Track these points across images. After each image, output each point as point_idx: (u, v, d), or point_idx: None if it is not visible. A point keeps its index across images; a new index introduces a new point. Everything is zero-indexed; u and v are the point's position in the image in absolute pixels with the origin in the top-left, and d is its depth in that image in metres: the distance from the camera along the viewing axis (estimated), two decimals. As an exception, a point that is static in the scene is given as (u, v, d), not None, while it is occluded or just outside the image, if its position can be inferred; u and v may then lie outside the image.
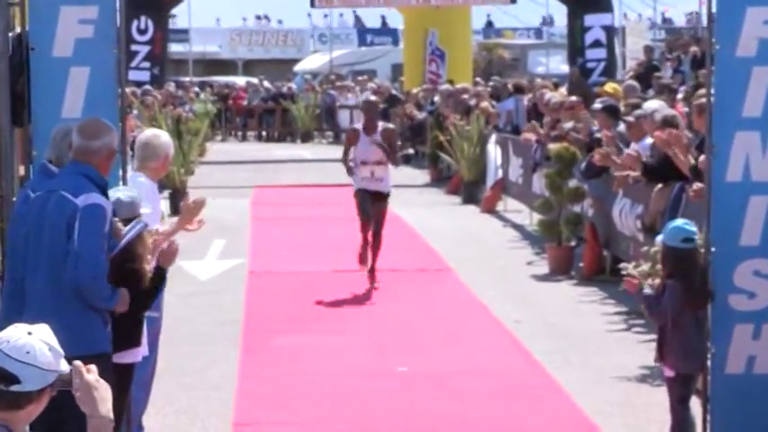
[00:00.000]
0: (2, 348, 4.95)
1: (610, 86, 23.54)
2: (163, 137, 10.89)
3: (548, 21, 69.54)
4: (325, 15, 68.91)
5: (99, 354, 7.83)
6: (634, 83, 25.11)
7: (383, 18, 68.71)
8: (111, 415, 4.73)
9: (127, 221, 8.57)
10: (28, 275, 8.24)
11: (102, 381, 4.80)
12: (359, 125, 16.60)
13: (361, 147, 16.01)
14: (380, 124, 16.57)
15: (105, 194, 8.27)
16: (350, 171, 16.52)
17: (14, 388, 4.91)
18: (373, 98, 18.84)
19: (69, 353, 5.29)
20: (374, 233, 16.45)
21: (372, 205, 16.16)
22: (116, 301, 8.30)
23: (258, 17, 77.95)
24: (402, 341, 8.40)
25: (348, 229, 19.77)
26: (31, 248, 8.27)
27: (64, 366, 4.97)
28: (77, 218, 8.00)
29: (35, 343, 5.00)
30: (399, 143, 39.88)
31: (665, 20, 56.88)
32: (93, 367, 5.02)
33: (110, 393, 4.55)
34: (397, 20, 58.84)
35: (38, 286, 8.13)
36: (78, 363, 4.90)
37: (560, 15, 43.30)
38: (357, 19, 70.97)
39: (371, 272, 16.46)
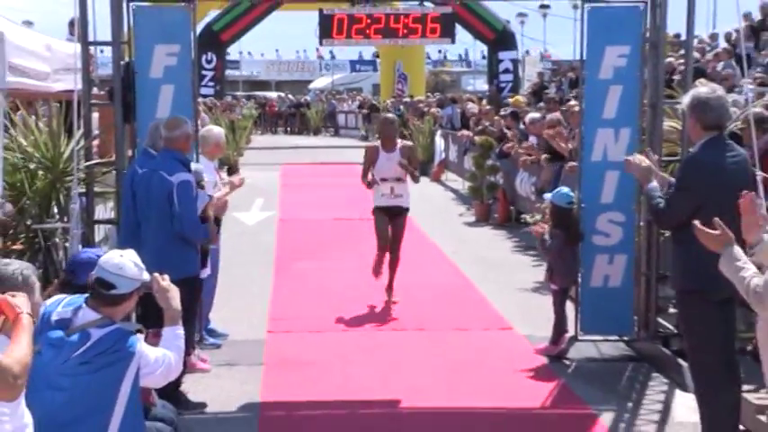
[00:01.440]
0: (103, 266, 5.30)
1: (515, 99, 23.86)
2: (213, 130, 10.87)
3: (464, 56, 70.05)
4: (330, 51, 69.15)
5: (191, 275, 8.25)
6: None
7: (360, 53, 68.71)
8: (180, 307, 4.68)
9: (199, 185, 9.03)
10: (143, 225, 8.42)
11: (172, 285, 4.90)
12: (377, 143, 12.38)
13: (380, 164, 11.91)
14: (399, 141, 12.33)
15: (188, 168, 8.46)
16: (370, 185, 12.09)
17: (112, 292, 5.27)
18: (391, 116, 13.57)
19: (176, 275, 5.72)
20: (392, 250, 12.16)
21: (391, 221, 12.07)
22: (207, 236, 8.69)
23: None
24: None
25: (344, 192, 20.14)
26: (142, 208, 8.45)
27: (146, 276, 5.34)
28: (175, 191, 8.18)
29: (125, 261, 5.31)
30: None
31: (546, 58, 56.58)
32: (165, 276, 5.29)
33: (178, 294, 4.34)
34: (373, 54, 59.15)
35: (150, 233, 8.32)
36: (156, 274, 5.20)
37: (477, 51, 44.57)
38: (359, 53, 71.24)
39: (389, 288, 12.24)
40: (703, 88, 7.70)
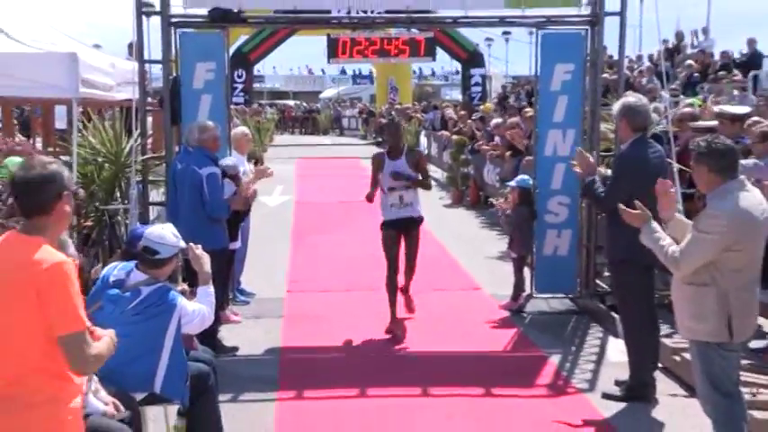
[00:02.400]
0: (148, 237, 5.36)
1: (485, 107, 23.86)
2: (238, 131, 10.71)
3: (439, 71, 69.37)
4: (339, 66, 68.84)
5: (221, 248, 8.15)
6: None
7: (360, 69, 68.56)
8: (210, 271, 4.73)
9: (232, 177, 9.04)
10: (180, 207, 8.37)
11: (204, 253, 4.86)
12: (383, 150, 9.41)
13: (386, 172, 9.07)
14: (405, 147, 9.33)
15: (216, 163, 8.42)
16: (370, 198, 9.11)
17: (156, 257, 5.33)
18: (395, 118, 9.34)
19: (206, 246, 5.69)
20: (407, 264, 9.28)
21: (404, 237, 9.14)
22: (228, 214, 8.54)
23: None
24: (376, 236, 8.89)
25: (347, 180, 20.16)
26: (180, 194, 8.41)
27: (182, 244, 5.39)
28: (204, 181, 8.17)
29: (165, 233, 5.40)
30: (380, 139, 39.74)
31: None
32: (198, 246, 5.25)
33: (208, 260, 4.24)
34: (370, 70, 58.91)
35: (186, 213, 8.23)
36: (191, 244, 5.20)
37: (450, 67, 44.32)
38: (352, 70, 70.85)
39: (406, 293, 9.49)
40: (631, 98, 7.72)
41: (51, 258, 3.56)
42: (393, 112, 37.46)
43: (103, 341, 3.88)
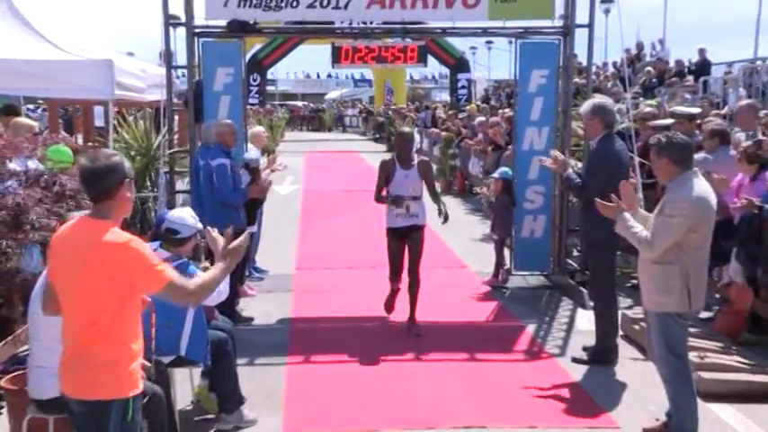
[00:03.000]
0: (170, 219, 5.37)
1: (471, 107, 23.81)
2: (255, 129, 10.71)
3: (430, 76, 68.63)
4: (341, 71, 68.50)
5: (237, 229, 8.29)
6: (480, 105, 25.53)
7: (361, 74, 68.00)
8: (221, 251, 4.76)
9: (254, 168, 9.02)
10: (202, 195, 8.38)
11: (219, 235, 5.00)
12: (393, 156, 8.25)
13: (397, 181, 8.04)
14: (416, 157, 8.26)
15: (228, 155, 8.39)
16: (382, 200, 8.14)
17: (177, 236, 5.33)
18: (407, 129, 9.01)
19: (221, 228, 5.92)
20: (410, 272, 8.16)
21: (408, 241, 8.15)
22: (242, 200, 8.55)
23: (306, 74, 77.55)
24: (378, 221, 8.83)
25: (349, 172, 20.14)
26: (200, 183, 8.43)
27: (200, 225, 5.38)
28: (214, 171, 8.22)
29: (185, 215, 5.41)
30: (378, 136, 39.81)
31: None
32: (214, 229, 4.86)
33: (222, 241, 4.28)
34: (370, 75, 58.47)
35: (204, 199, 8.30)
36: (208, 227, 4.85)
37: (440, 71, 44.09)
38: (352, 74, 70.34)
39: (411, 320, 8.19)
40: (599, 99, 7.72)
41: (119, 239, 3.65)
42: (389, 112, 37.46)
43: (209, 272, 3.98)
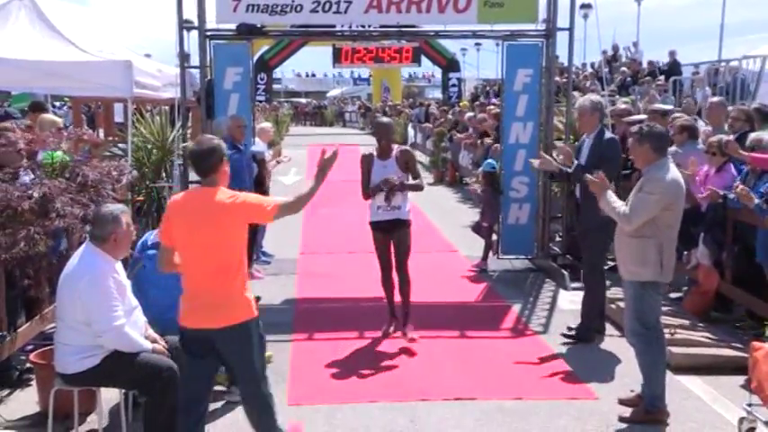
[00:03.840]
0: None
1: (462, 104, 23.81)
2: (262, 124, 10.60)
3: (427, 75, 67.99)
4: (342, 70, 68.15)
5: None
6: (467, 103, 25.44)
7: (359, 73, 67.59)
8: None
9: (260, 160, 9.00)
10: None
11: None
12: (373, 150, 7.29)
13: (375, 173, 7.18)
14: (395, 147, 7.30)
15: (236, 148, 8.26)
16: (367, 195, 7.29)
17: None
18: (385, 120, 7.90)
19: None
20: (398, 268, 7.28)
21: (393, 237, 7.27)
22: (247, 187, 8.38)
23: (308, 73, 77.15)
24: None
25: (349, 164, 20.03)
26: None
27: None
28: None
29: None
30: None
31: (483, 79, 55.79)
32: None
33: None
34: (367, 73, 58.14)
35: None
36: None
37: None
38: (352, 73, 69.95)
39: (404, 323, 7.25)
40: (594, 96, 7.81)
41: (229, 194, 4.26)
42: (386, 109, 37.27)
43: (305, 189, 4.52)
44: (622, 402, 5.66)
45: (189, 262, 4.29)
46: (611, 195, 5.45)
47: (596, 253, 7.21)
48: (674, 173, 5.29)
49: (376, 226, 7.24)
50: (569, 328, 7.33)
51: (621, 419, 5.41)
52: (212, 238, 4.18)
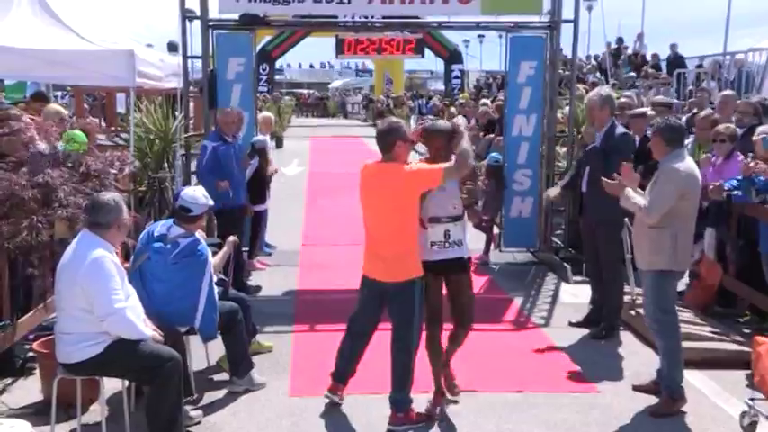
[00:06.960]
0: (183, 197, 5.30)
1: (463, 96, 23.76)
2: (263, 114, 10.52)
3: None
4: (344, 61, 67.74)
5: (228, 206, 7.66)
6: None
7: (363, 64, 67.22)
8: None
9: (260, 150, 8.94)
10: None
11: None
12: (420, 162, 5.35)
13: (431, 197, 5.02)
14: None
15: (223, 140, 8.01)
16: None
17: (189, 214, 5.26)
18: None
19: (216, 206, 5.86)
20: (459, 324, 5.33)
21: (449, 282, 5.20)
22: (207, 184, 8.08)
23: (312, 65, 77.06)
24: None
25: (351, 155, 19.98)
26: None
27: (211, 203, 5.39)
28: (204, 153, 8.00)
29: (197, 194, 5.35)
30: (378, 123, 39.24)
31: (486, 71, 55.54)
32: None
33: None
34: (371, 65, 57.87)
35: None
36: (218, 211, 5.30)
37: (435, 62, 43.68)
38: (355, 64, 69.71)
39: (446, 365, 5.52)
40: (604, 89, 7.76)
41: (402, 167, 4.98)
42: (389, 100, 37.25)
43: (456, 160, 4.98)
44: (636, 388, 5.77)
45: (371, 223, 5.13)
46: (630, 192, 5.47)
47: (614, 248, 7.07)
48: (689, 162, 5.41)
49: (430, 268, 5.11)
50: (570, 323, 7.35)
51: (653, 414, 5.40)
52: (393, 205, 4.93)
